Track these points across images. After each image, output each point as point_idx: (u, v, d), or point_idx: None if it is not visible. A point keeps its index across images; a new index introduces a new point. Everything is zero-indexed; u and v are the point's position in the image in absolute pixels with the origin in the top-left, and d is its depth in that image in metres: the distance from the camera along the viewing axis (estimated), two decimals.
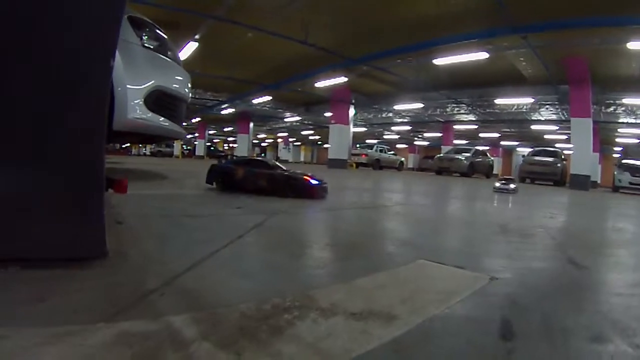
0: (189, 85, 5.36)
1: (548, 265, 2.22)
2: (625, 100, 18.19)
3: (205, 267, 1.61)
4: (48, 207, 1.42)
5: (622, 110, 19.63)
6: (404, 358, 0.92)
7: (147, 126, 4.46)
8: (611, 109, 19.48)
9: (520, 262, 2.15)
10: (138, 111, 4.27)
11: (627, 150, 20.64)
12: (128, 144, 32.29)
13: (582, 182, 14.72)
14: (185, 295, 1.23)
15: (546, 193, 10.59)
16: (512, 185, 8.73)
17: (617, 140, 29.67)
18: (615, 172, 17.92)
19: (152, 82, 4.39)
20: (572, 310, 1.38)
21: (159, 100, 4.50)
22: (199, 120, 38.25)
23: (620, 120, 21.78)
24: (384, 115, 29.44)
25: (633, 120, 21.25)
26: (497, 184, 8.81)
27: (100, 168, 1.50)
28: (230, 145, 58.28)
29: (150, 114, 4.43)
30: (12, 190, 1.37)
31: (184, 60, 14.63)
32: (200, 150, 39.18)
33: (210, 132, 46.22)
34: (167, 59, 4.72)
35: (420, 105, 24.00)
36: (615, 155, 28.98)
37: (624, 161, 18.08)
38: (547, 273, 2.03)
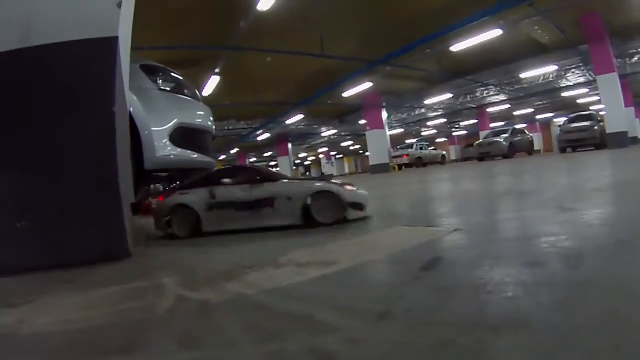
0: (211, 118, 5.83)
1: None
2: None
3: (208, 253, 2.01)
4: (86, 225, 1.87)
5: None
6: (319, 284, 1.22)
7: (177, 161, 4.92)
8: (635, 58, 18.39)
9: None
10: (166, 148, 4.74)
11: None
12: (172, 186, 33.62)
13: (620, 140, 14.01)
14: (181, 269, 1.62)
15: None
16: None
17: None
18: None
19: (175, 120, 4.85)
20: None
21: (184, 136, 4.96)
22: (237, 151, 39.21)
23: None
24: (417, 112, 29.46)
25: None
26: None
27: (118, 195, 1.93)
28: (273, 169, 59.36)
29: (178, 150, 4.90)
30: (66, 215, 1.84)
31: (210, 94, 15.39)
32: None
33: (251, 159, 47.30)
34: (185, 97, 5.19)
35: (449, 95, 23.90)
36: None
37: None
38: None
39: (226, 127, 24.52)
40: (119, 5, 1.91)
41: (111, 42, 1.90)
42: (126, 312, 1.09)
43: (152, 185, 10.44)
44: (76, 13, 1.89)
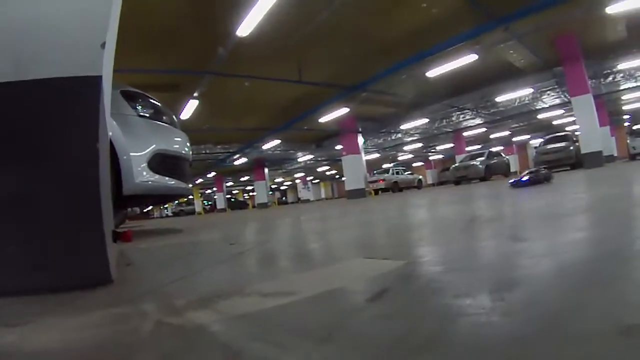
0: (189, 145, 5.95)
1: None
2: (621, 66, 18.24)
3: (183, 281, 2.12)
4: (68, 254, 1.97)
5: (621, 77, 19.64)
6: (278, 314, 1.30)
7: (155, 187, 5.02)
8: (610, 78, 19.49)
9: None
10: (144, 174, 4.85)
11: (636, 116, 20.52)
12: (149, 208, 33.49)
13: (595, 159, 14.45)
14: (159, 296, 1.73)
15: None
16: None
17: (625, 108, 29.42)
18: (628, 141, 17.94)
19: (153, 146, 4.96)
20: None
21: (162, 162, 5.07)
22: (214, 175, 39.21)
23: (622, 87, 21.70)
24: (393, 137, 30.02)
25: (634, 84, 21.12)
26: None
27: (101, 225, 2.03)
28: (250, 194, 59.42)
29: (156, 176, 5.00)
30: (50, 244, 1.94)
31: (188, 119, 15.53)
32: (220, 204, 40.01)
33: (228, 184, 47.23)
34: (163, 124, 5.32)
35: (426, 120, 24.49)
36: (626, 124, 28.57)
37: (634, 127, 18.09)
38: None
39: (203, 152, 24.62)
40: (103, 46, 2.01)
41: (95, 81, 2.01)
42: (117, 333, 1.21)
43: (129, 209, 10.40)
44: (62, 52, 1.99)
